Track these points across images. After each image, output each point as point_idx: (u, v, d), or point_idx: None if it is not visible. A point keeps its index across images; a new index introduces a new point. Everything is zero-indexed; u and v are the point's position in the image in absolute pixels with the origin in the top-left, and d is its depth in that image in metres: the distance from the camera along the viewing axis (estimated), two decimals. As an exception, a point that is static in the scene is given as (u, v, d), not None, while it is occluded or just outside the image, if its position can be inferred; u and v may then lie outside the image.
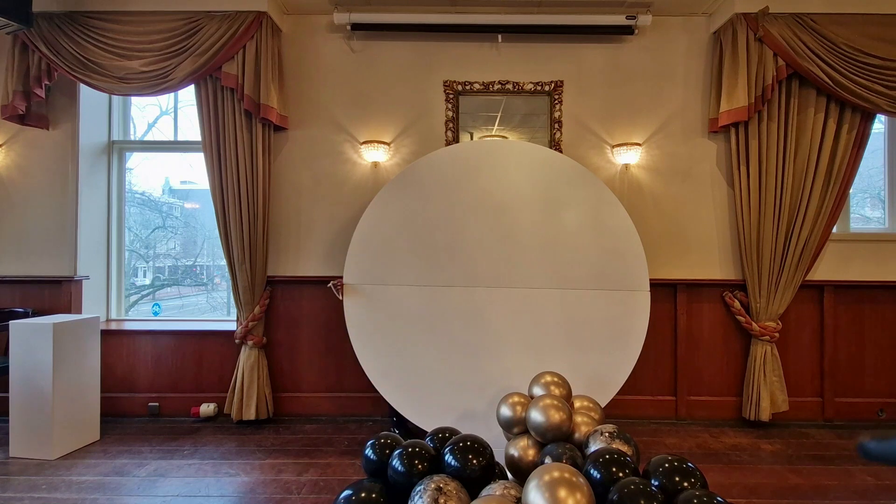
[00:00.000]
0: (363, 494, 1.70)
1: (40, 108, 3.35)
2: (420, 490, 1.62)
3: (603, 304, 2.88)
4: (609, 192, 2.94)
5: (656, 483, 1.58)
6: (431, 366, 2.88)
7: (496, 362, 2.86)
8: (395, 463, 1.78)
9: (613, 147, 3.44)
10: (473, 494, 1.69)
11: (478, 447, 1.80)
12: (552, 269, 2.92)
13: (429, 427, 2.77)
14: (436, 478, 1.66)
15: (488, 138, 3.52)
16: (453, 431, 2.01)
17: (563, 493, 1.36)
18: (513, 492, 1.61)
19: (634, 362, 2.84)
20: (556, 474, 1.42)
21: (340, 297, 2.91)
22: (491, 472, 1.80)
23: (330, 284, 2.96)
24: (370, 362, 2.89)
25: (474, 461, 1.76)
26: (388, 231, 2.97)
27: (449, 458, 1.78)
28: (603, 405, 2.81)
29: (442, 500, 1.57)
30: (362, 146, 3.44)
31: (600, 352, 2.85)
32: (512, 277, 2.92)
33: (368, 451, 1.90)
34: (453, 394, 2.85)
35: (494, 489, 1.64)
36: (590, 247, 2.91)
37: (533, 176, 2.96)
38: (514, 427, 2.13)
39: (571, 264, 2.92)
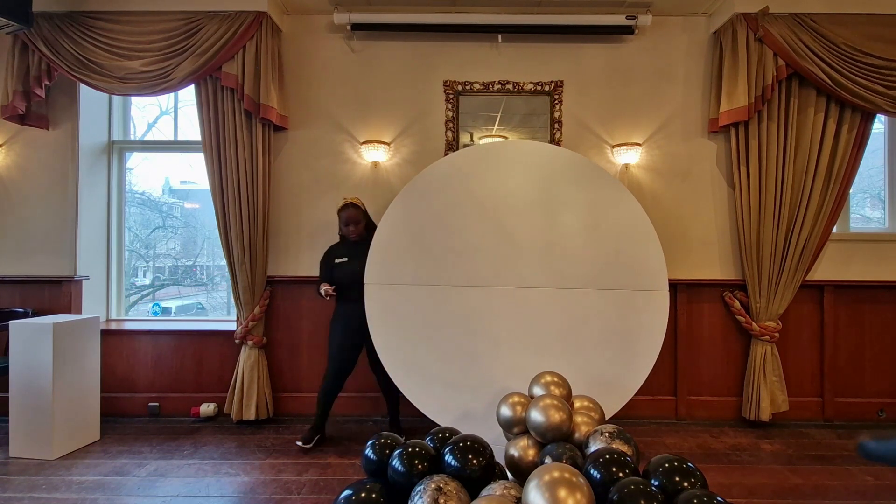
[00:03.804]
0: (363, 494, 1.70)
1: (40, 108, 3.35)
2: (420, 490, 1.62)
3: (628, 304, 2.89)
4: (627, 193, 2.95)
5: (656, 483, 1.58)
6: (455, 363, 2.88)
7: (497, 362, 2.86)
8: (395, 463, 1.78)
9: (613, 147, 3.44)
10: (473, 494, 1.69)
11: (478, 447, 1.80)
12: (550, 269, 2.92)
13: (441, 422, 2.78)
14: (436, 478, 1.66)
15: (498, 139, 3.52)
16: (453, 431, 2.01)
17: (563, 493, 1.36)
18: (513, 492, 1.61)
19: (650, 368, 2.85)
20: (556, 474, 1.42)
21: (327, 298, 2.91)
22: (491, 472, 1.80)
23: (323, 290, 2.88)
24: (390, 359, 2.89)
25: (474, 461, 1.76)
26: (407, 234, 2.96)
27: (449, 458, 1.78)
28: (618, 408, 2.82)
29: (442, 500, 1.57)
30: (362, 146, 3.44)
31: (617, 356, 2.85)
32: (510, 277, 2.92)
33: (368, 451, 1.90)
34: (454, 393, 2.85)
35: (494, 489, 1.64)
36: (611, 245, 2.91)
37: (558, 176, 2.96)
38: (514, 427, 2.13)
39: (588, 263, 2.92)
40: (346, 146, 3.48)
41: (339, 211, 3.03)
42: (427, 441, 1.94)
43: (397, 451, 1.81)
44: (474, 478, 1.74)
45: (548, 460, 1.85)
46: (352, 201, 3.02)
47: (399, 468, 1.76)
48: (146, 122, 4.02)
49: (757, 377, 3.26)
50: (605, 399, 2.73)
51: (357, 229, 3.00)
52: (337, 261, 3.00)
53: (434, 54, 3.48)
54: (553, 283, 2.91)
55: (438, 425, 2.30)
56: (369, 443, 1.92)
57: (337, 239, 3.19)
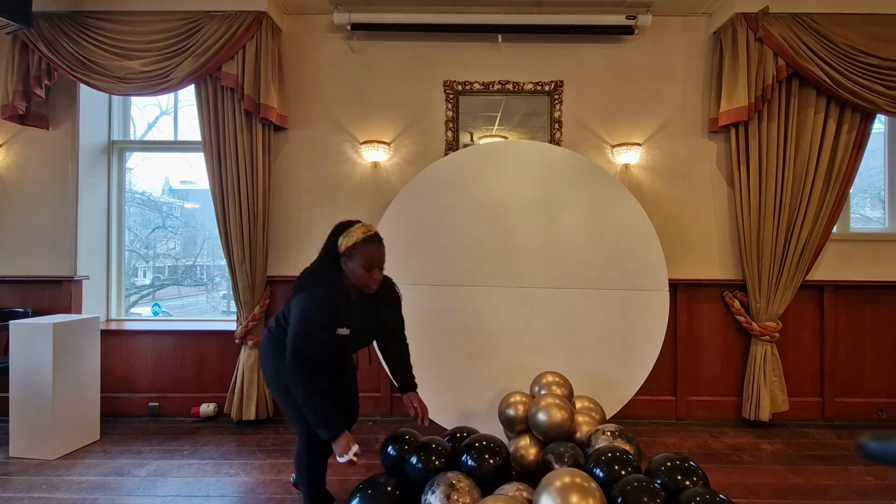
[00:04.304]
0: (379, 489, 1.71)
1: (40, 108, 3.34)
2: (434, 485, 1.63)
3: (623, 304, 2.88)
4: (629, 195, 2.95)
5: (658, 481, 1.58)
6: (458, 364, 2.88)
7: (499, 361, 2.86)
8: (413, 459, 1.79)
9: (613, 147, 3.44)
10: (487, 493, 1.70)
11: (494, 447, 1.81)
12: (550, 269, 2.92)
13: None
14: (449, 474, 1.67)
15: (498, 139, 3.52)
16: (471, 431, 2.02)
17: (575, 498, 1.36)
18: (525, 493, 1.61)
19: (650, 368, 2.85)
20: (567, 479, 1.42)
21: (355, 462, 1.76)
22: (507, 472, 1.81)
23: (349, 456, 1.71)
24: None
25: (490, 461, 1.77)
26: (407, 234, 2.96)
27: (466, 456, 1.79)
28: (618, 408, 2.82)
29: (455, 496, 1.58)
30: (362, 146, 3.44)
31: (617, 356, 2.85)
32: (510, 276, 2.92)
33: (389, 448, 1.91)
34: (455, 393, 2.85)
35: (507, 489, 1.65)
36: (611, 245, 2.91)
37: (558, 176, 2.96)
38: (516, 426, 2.13)
39: (588, 263, 2.92)
40: (346, 146, 3.48)
41: (360, 244, 1.84)
42: (445, 439, 1.96)
43: (415, 448, 1.82)
44: (489, 477, 1.75)
45: (550, 458, 1.85)
46: (377, 232, 1.93)
47: (416, 464, 1.77)
48: (146, 122, 4.02)
49: (757, 377, 3.26)
50: (606, 399, 2.73)
51: (381, 277, 1.92)
52: (339, 332, 1.82)
53: (434, 54, 3.48)
54: (553, 282, 2.91)
55: (439, 425, 2.31)
56: (388, 438, 1.93)
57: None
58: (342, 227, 1.90)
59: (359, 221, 1.93)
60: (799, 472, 2.67)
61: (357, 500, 1.73)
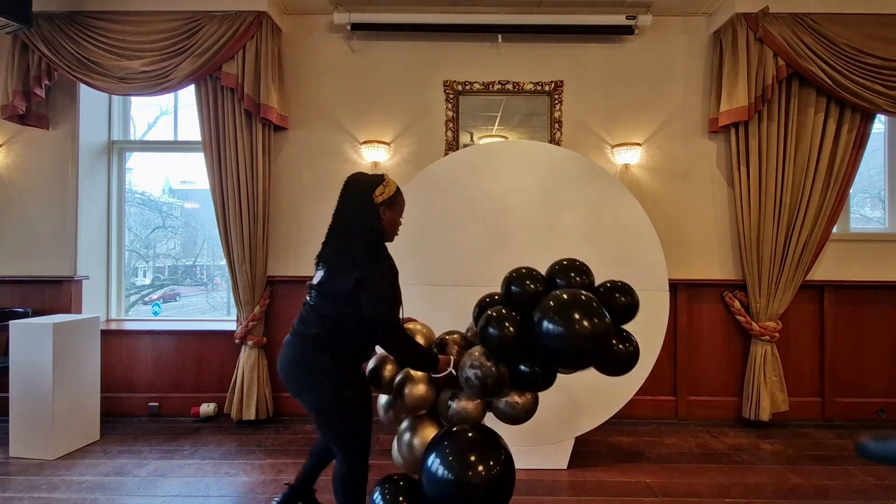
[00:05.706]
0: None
1: (40, 108, 3.35)
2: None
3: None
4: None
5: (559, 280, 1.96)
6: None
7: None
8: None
9: (613, 147, 3.44)
10: None
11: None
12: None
13: None
14: None
15: (498, 139, 3.52)
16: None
17: None
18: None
19: (650, 368, 2.82)
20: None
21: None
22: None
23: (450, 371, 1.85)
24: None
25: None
26: (406, 234, 2.94)
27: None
28: (618, 408, 2.80)
29: None
30: (362, 146, 3.44)
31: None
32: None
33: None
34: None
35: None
36: (611, 245, 2.89)
37: (558, 176, 2.95)
38: None
39: (587, 263, 2.92)
40: (346, 146, 3.48)
41: (398, 191, 1.90)
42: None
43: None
44: None
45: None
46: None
47: None
48: (146, 122, 4.02)
49: (757, 377, 3.26)
50: (605, 399, 2.73)
51: None
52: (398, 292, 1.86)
53: (434, 54, 3.48)
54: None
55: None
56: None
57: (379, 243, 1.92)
58: (369, 179, 1.87)
59: (379, 174, 1.92)
60: (799, 472, 2.67)
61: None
